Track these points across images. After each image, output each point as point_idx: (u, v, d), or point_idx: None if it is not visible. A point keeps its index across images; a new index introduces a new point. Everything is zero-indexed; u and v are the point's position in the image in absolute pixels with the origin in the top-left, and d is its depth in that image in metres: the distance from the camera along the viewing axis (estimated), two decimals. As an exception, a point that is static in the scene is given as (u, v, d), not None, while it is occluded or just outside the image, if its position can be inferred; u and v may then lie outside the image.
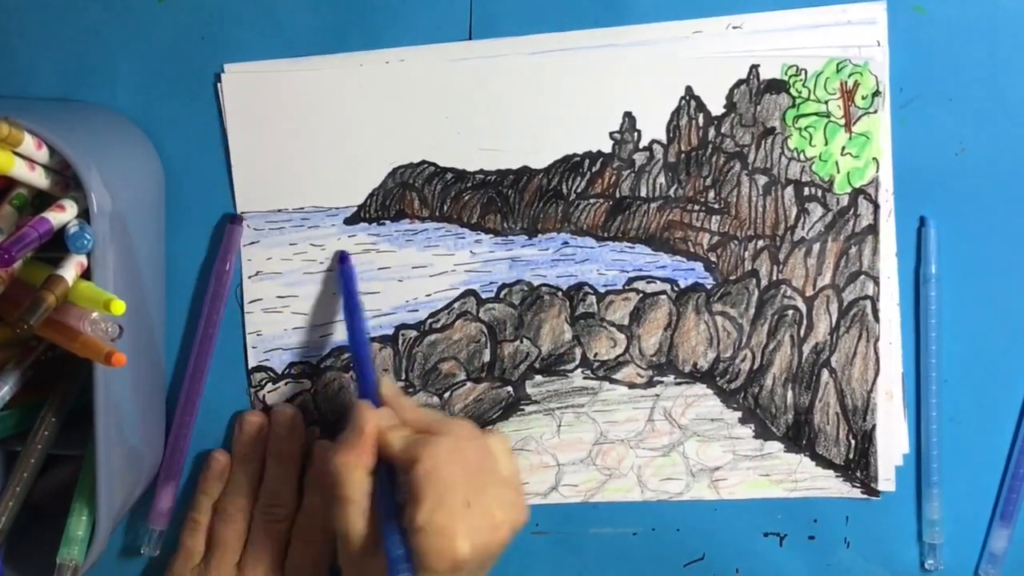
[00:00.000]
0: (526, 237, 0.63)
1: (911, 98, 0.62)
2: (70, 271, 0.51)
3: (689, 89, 0.62)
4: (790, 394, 0.64)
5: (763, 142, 0.62)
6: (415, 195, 0.63)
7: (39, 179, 0.52)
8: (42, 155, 0.52)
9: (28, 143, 0.50)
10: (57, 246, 0.51)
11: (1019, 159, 0.62)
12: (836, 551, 0.65)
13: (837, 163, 0.62)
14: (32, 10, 0.62)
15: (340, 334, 0.64)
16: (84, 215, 0.52)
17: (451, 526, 0.50)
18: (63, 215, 0.52)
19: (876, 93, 0.61)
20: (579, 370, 0.64)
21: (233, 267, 0.63)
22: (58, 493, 0.60)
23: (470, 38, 0.61)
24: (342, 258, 0.62)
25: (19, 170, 0.50)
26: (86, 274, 0.52)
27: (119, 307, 0.49)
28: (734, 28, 0.61)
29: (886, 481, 0.64)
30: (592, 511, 0.65)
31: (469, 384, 0.64)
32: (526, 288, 0.63)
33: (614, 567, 0.66)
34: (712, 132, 0.62)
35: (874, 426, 0.63)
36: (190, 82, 0.62)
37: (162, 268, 0.63)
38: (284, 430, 0.63)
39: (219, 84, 0.62)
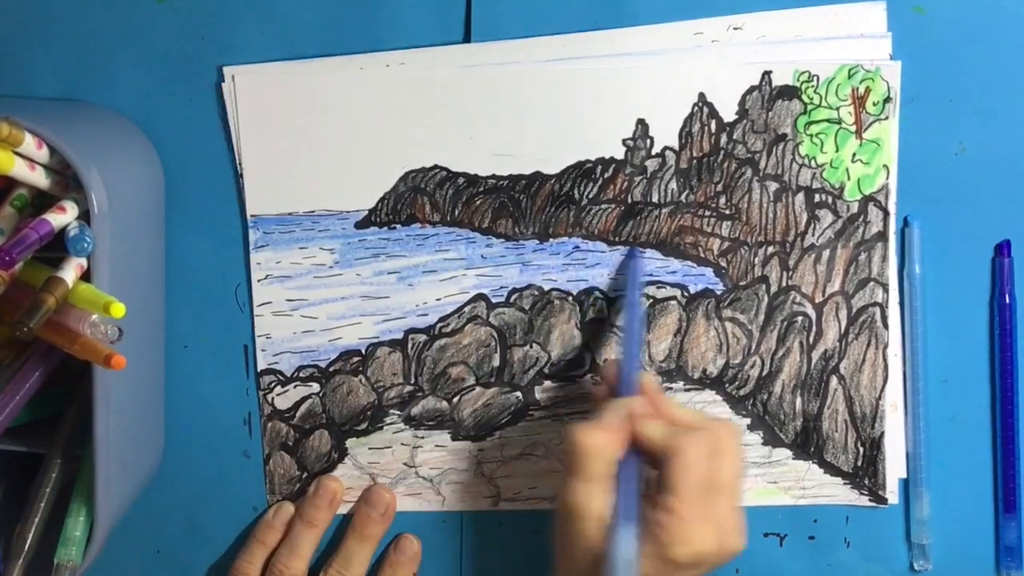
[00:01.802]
0: (537, 242, 0.63)
1: (911, 98, 0.62)
2: (70, 273, 0.50)
3: (702, 96, 0.61)
4: (799, 401, 0.64)
5: (774, 148, 0.62)
6: (427, 199, 0.62)
7: (39, 179, 0.52)
8: (42, 155, 0.51)
9: (28, 143, 0.50)
10: (57, 246, 0.51)
11: (1019, 159, 0.62)
12: (836, 551, 0.65)
13: (848, 170, 0.62)
14: (32, 10, 0.61)
15: (348, 337, 0.63)
16: (84, 216, 0.52)
17: (703, 517, 0.49)
18: (63, 217, 0.51)
19: (887, 99, 0.61)
20: (589, 376, 0.64)
21: None
22: (57, 493, 0.60)
23: (468, 40, 0.61)
24: (631, 254, 0.62)
25: (19, 170, 0.50)
26: (86, 276, 0.52)
27: (119, 310, 0.49)
28: (735, 29, 0.61)
29: (891, 493, 0.64)
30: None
31: (478, 389, 0.64)
32: (536, 293, 0.63)
33: (615, 567, 0.66)
34: (724, 138, 0.62)
35: (882, 433, 0.63)
36: (190, 82, 0.62)
37: (162, 269, 0.62)
38: (378, 513, 0.63)
39: (227, 86, 0.61)
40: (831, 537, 0.65)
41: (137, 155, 0.60)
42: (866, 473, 0.64)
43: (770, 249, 0.63)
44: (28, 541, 0.56)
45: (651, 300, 0.63)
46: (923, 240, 0.63)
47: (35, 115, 0.51)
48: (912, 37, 0.61)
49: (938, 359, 0.63)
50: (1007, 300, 0.63)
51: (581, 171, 0.62)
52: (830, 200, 0.62)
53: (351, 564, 0.63)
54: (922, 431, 0.63)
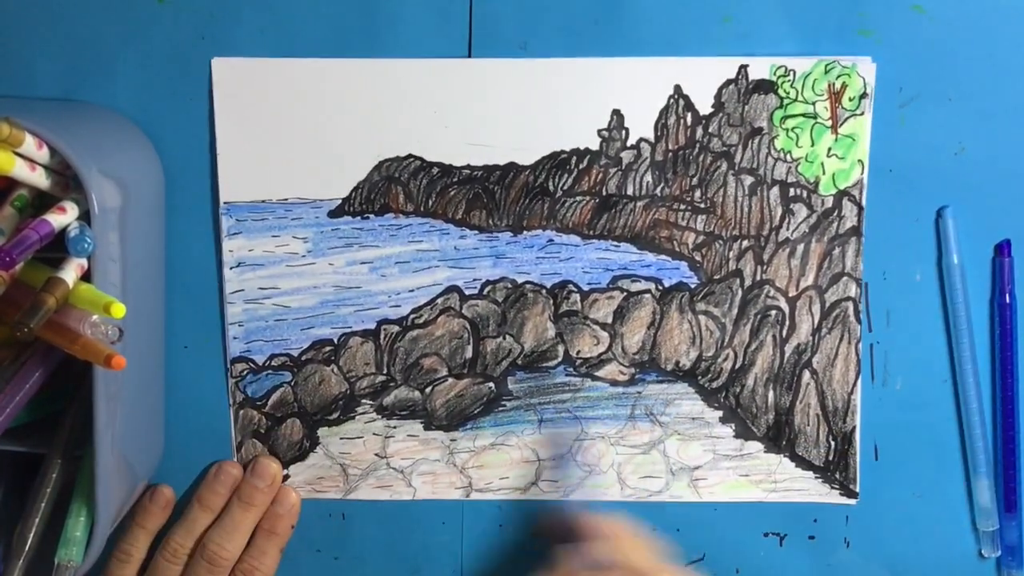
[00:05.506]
0: (511, 234, 0.63)
1: (911, 98, 0.62)
2: (70, 273, 0.50)
3: (678, 88, 0.61)
4: (771, 394, 0.64)
5: (750, 142, 0.62)
6: (400, 189, 0.62)
7: (40, 179, 0.52)
8: (43, 155, 0.51)
9: (29, 143, 0.50)
10: (58, 246, 0.51)
11: (1019, 159, 0.62)
12: (836, 551, 0.65)
13: (823, 164, 0.62)
14: (32, 10, 0.61)
15: (321, 327, 0.63)
16: (85, 217, 0.52)
17: None
18: (64, 217, 0.51)
19: (863, 95, 0.61)
20: (561, 367, 0.64)
21: None
22: (57, 493, 0.60)
23: (469, 55, 0.61)
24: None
25: (20, 171, 0.50)
26: (86, 276, 0.52)
27: (119, 310, 0.49)
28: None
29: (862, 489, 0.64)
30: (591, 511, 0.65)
31: (451, 380, 0.64)
32: (510, 285, 0.63)
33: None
34: (700, 131, 0.62)
35: (854, 427, 0.63)
36: (190, 82, 0.61)
37: (162, 269, 0.62)
38: (264, 483, 0.63)
39: (214, 75, 0.61)
40: (831, 537, 0.65)
41: (137, 155, 0.60)
42: (837, 467, 0.64)
43: (745, 243, 0.63)
44: (28, 541, 0.56)
45: (625, 293, 0.63)
46: (947, 234, 0.62)
47: (35, 115, 0.51)
48: (911, 36, 0.61)
49: (938, 359, 0.64)
50: (1007, 300, 0.63)
51: (556, 162, 0.62)
52: (805, 194, 0.62)
53: (235, 534, 0.62)
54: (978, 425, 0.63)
